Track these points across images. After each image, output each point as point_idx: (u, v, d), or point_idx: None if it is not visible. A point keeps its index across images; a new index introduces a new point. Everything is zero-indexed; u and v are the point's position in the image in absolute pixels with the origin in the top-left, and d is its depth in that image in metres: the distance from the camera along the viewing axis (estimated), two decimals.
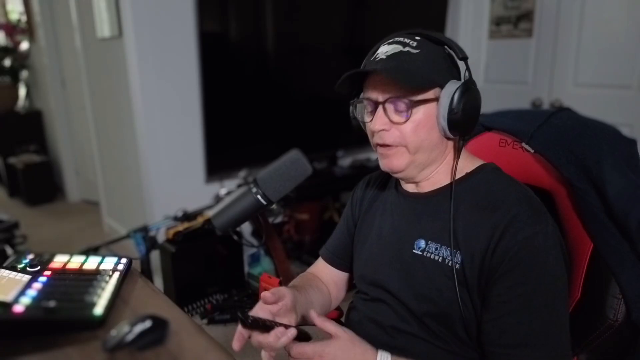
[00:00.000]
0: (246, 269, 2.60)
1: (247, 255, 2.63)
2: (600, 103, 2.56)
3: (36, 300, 0.78)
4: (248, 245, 2.65)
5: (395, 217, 0.91)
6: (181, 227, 2.30)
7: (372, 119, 0.82)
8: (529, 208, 0.77)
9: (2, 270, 0.86)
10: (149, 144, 2.43)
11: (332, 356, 0.71)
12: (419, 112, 0.79)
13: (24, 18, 3.88)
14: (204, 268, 2.38)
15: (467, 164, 0.86)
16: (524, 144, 0.93)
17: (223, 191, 2.37)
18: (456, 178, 0.83)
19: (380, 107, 0.80)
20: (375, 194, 1.00)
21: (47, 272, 0.88)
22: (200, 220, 2.32)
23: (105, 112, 2.94)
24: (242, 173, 2.46)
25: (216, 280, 2.43)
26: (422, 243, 0.85)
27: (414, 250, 0.85)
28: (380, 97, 0.80)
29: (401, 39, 0.81)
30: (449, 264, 0.80)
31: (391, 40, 0.83)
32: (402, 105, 0.79)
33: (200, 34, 2.34)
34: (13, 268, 0.88)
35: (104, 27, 2.57)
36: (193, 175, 2.55)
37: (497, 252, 0.74)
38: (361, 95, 0.86)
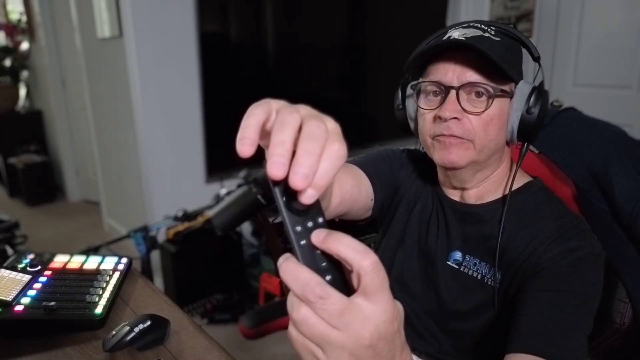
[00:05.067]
0: (246, 269, 2.60)
1: (247, 255, 2.63)
2: (600, 103, 2.56)
3: (36, 300, 0.79)
4: (248, 245, 2.65)
5: (429, 219, 0.85)
6: (181, 227, 2.30)
7: (438, 106, 0.73)
8: (577, 226, 0.74)
9: (3, 270, 0.87)
10: (149, 144, 2.43)
11: (351, 328, 0.35)
12: (494, 106, 0.71)
13: (24, 18, 3.87)
14: (204, 268, 2.38)
15: (516, 178, 0.78)
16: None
17: (223, 191, 2.37)
18: (504, 194, 0.78)
19: (452, 93, 0.71)
20: (414, 180, 0.90)
21: (48, 272, 0.88)
22: (200, 220, 2.32)
23: (105, 112, 2.94)
24: (242, 173, 2.46)
25: (216, 280, 2.43)
26: (459, 255, 0.80)
27: (447, 262, 0.80)
28: (455, 82, 0.71)
29: (477, 25, 0.73)
30: (489, 283, 0.76)
31: (465, 25, 0.74)
32: (483, 93, 0.71)
33: (200, 34, 2.34)
34: (13, 268, 0.88)
35: (104, 27, 2.57)
36: (193, 175, 2.55)
37: (539, 262, 0.71)
38: (421, 79, 0.76)
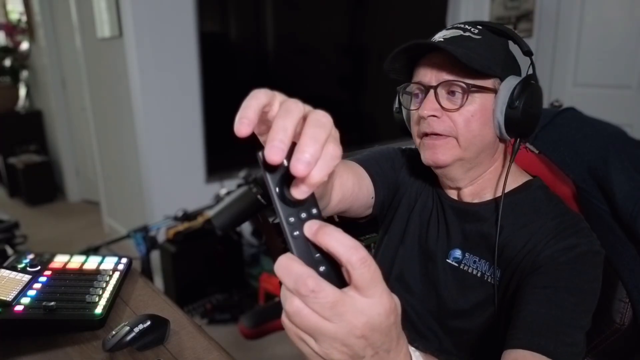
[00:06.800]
0: (246, 269, 2.60)
1: (247, 255, 2.63)
2: (600, 103, 2.56)
3: (36, 300, 0.79)
4: (248, 245, 2.65)
5: (429, 218, 0.86)
6: (181, 227, 2.30)
7: (419, 106, 0.75)
8: (576, 224, 0.74)
9: (3, 270, 0.87)
10: (149, 143, 2.43)
11: (345, 318, 0.35)
12: (475, 102, 0.72)
13: (24, 18, 3.87)
14: (204, 268, 2.38)
15: (515, 177, 0.79)
16: (528, 145, 0.90)
17: (223, 191, 2.37)
18: (503, 193, 0.77)
19: (431, 92, 0.73)
20: (414, 179, 0.91)
21: (48, 272, 0.88)
22: (200, 220, 2.32)
23: (105, 112, 2.94)
24: (242, 173, 2.46)
25: (216, 280, 2.43)
26: (458, 253, 0.80)
27: (447, 260, 0.81)
28: (433, 81, 0.73)
29: (461, 26, 0.76)
30: (489, 280, 0.76)
31: (450, 27, 0.77)
32: (457, 90, 0.72)
33: (201, 34, 2.34)
34: (13, 268, 0.88)
35: (104, 27, 2.57)
36: (193, 175, 2.55)
37: (537, 260, 0.71)
38: (408, 83, 0.80)
